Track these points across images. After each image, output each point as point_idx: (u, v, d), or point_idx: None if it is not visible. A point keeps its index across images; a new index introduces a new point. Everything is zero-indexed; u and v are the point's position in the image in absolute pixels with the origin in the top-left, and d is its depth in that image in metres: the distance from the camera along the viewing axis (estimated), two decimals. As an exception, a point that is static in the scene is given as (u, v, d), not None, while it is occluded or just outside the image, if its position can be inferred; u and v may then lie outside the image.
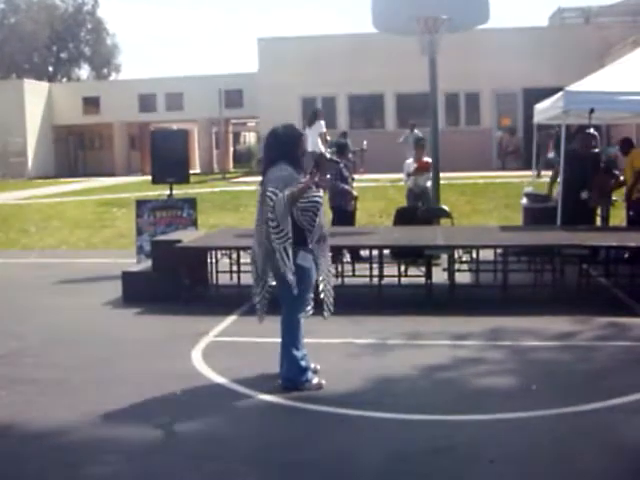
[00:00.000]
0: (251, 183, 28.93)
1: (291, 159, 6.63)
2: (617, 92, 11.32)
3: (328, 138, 19.99)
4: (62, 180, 38.32)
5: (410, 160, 14.19)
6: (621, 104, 11.43)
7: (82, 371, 7.33)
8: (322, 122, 20.81)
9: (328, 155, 13.51)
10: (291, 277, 6.43)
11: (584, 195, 12.21)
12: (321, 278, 6.88)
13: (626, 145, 12.76)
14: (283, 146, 6.72)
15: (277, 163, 6.61)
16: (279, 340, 7.16)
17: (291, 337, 6.64)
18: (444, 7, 12.20)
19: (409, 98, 31.99)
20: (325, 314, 6.96)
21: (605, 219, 13.32)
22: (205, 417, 6.08)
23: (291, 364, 6.60)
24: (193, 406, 6.29)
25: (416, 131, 26.88)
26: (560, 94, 11.83)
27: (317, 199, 6.59)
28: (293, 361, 6.60)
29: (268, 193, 6.41)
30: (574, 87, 11.74)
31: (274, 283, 6.76)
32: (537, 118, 14.55)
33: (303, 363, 6.63)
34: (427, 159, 13.42)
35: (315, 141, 19.84)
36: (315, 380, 6.66)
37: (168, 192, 12.92)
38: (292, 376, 6.60)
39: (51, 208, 23.12)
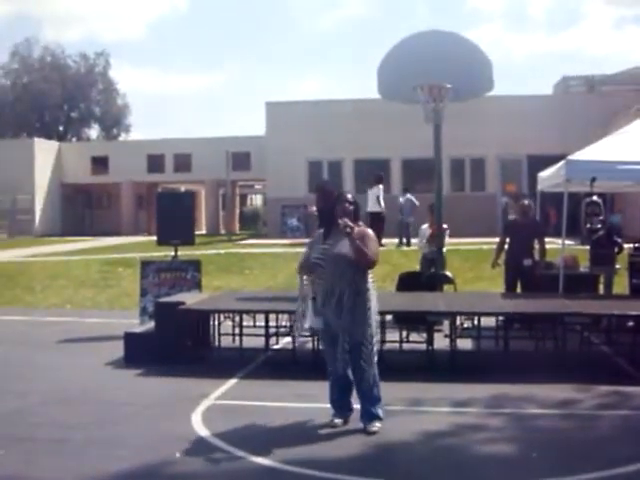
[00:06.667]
0: (257, 245, 29.06)
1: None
2: (618, 161, 11.41)
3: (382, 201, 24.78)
4: (69, 238, 38.46)
5: (425, 225, 14.26)
6: (622, 173, 11.50)
7: (82, 431, 7.32)
8: (380, 186, 25.45)
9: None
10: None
11: (526, 262, 12.52)
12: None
13: None
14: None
15: None
16: (279, 404, 7.25)
17: None
18: (449, 76, 12.35)
19: (415, 163, 32.27)
20: None
21: (608, 287, 13.35)
22: (203, 481, 6.07)
23: None
24: (192, 470, 6.28)
25: (409, 195, 27.37)
26: (562, 162, 11.95)
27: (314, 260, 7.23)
28: None
29: None
30: (576, 156, 11.87)
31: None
32: (541, 186, 14.66)
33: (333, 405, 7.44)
34: (444, 225, 13.43)
35: (373, 202, 24.67)
36: (335, 419, 7.35)
37: (173, 253, 12.98)
38: None
39: (57, 266, 23.18)
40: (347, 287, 7.15)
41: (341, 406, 7.43)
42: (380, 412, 7.30)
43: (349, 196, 7.47)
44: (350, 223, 7.15)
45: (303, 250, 7.72)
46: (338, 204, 7.33)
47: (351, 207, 7.34)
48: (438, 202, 13.35)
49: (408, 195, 27.87)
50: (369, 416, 7.24)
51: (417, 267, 14.49)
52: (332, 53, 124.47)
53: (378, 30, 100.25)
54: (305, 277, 7.48)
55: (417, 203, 26.76)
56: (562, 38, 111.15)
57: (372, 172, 28.08)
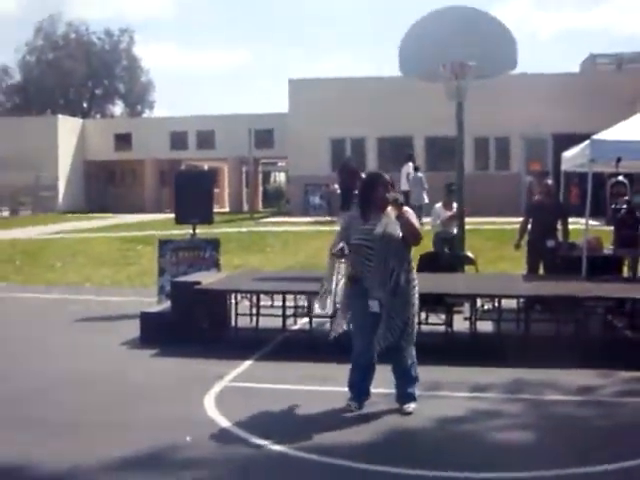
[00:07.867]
0: (279, 223, 28.96)
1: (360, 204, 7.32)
2: (645, 141, 11.14)
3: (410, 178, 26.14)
4: (92, 215, 38.55)
5: (439, 205, 14.03)
6: (648, 153, 11.23)
7: (94, 413, 7.26)
8: (410, 164, 26.66)
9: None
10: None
11: (550, 243, 12.34)
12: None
13: None
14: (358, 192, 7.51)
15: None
16: (295, 387, 7.19)
17: None
18: (471, 53, 12.18)
19: (438, 141, 31.99)
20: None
21: (633, 269, 13.13)
22: (214, 467, 5.96)
23: None
24: (202, 454, 6.18)
25: (420, 174, 26.83)
26: (587, 142, 11.70)
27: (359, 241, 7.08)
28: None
29: None
30: (601, 135, 11.58)
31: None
32: (565, 166, 14.39)
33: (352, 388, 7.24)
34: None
35: (404, 180, 25.93)
36: (352, 403, 7.16)
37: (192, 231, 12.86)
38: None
39: (78, 244, 23.21)
40: (399, 266, 7.06)
41: (360, 391, 7.27)
42: (416, 392, 7.25)
43: (387, 177, 7.40)
44: (400, 197, 7.29)
45: (336, 229, 7.63)
46: (378, 186, 7.20)
47: (390, 186, 7.29)
48: (459, 181, 13.20)
49: (419, 174, 27.16)
50: (406, 397, 7.19)
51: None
52: (356, 30, 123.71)
53: (401, 5, 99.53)
54: (339, 260, 7.35)
55: (426, 186, 26.24)
56: (591, 15, 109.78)
57: (395, 150, 27.93)
